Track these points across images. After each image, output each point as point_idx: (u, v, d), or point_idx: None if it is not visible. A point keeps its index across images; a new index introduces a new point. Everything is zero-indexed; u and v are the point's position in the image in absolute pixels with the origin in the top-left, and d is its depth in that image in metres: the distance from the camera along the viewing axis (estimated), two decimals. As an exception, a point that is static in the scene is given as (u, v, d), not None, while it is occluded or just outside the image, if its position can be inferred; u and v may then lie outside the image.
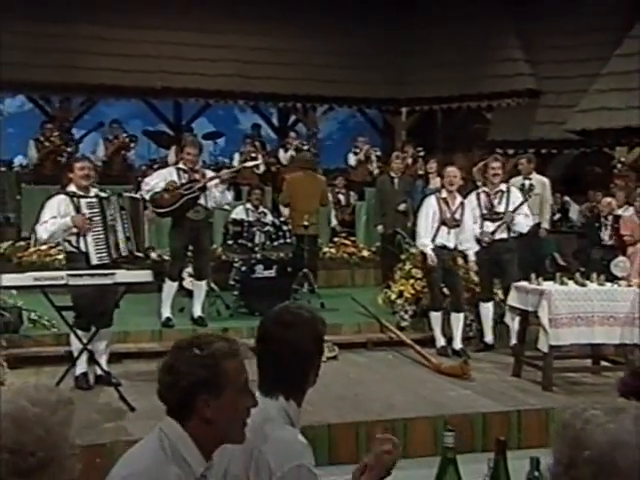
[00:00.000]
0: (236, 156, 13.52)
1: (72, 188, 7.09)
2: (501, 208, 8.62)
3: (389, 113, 15.24)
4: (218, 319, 9.31)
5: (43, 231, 6.98)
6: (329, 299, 10.23)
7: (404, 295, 9.31)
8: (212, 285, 9.76)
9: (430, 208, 8.47)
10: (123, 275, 6.46)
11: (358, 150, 13.94)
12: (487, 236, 8.53)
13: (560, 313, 7.12)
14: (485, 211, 8.60)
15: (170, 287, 8.72)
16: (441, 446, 2.62)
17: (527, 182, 10.81)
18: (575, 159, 14.31)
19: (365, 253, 12.35)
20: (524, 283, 7.63)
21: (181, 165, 8.72)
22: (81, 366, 6.92)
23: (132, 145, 13.73)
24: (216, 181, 8.55)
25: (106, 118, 14.31)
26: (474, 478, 2.66)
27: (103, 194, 7.24)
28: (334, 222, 12.97)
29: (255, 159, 12.81)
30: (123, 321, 8.11)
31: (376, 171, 13.75)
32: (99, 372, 7.05)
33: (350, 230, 12.99)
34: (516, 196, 8.80)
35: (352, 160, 14.01)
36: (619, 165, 12.05)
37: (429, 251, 8.42)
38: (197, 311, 8.86)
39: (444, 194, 8.54)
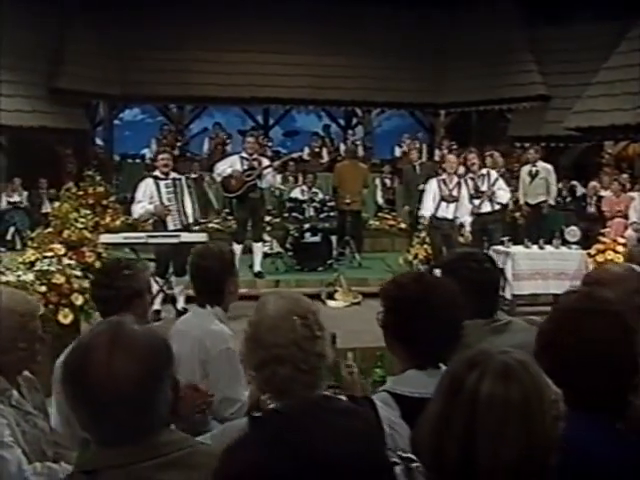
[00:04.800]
0: (306, 149, 14.00)
1: (156, 173, 7.78)
2: (484, 187, 8.80)
3: (431, 115, 15.39)
4: (276, 273, 9.80)
5: (135, 213, 7.72)
6: (366, 261, 10.59)
7: (418, 257, 9.61)
8: (276, 248, 10.31)
9: (431, 188, 8.69)
10: (186, 236, 7.07)
11: (402, 144, 14.23)
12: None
13: (521, 269, 7.37)
14: (472, 191, 8.80)
15: (236, 249, 9.03)
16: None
17: (534, 169, 10.93)
18: (583, 151, 14.16)
19: (403, 225, 12.53)
20: (499, 246, 7.87)
21: (243, 154, 9.13)
22: (156, 305, 7.37)
23: (228, 141, 14.38)
24: (269, 170, 9.03)
25: (211, 121, 15.06)
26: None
27: (177, 176, 7.89)
28: (380, 200, 13.30)
29: (320, 152, 13.34)
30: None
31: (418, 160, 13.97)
32: (179, 308, 7.52)
33: (392, 207, 13.28)
34: (494, 177, 8.95)
35: (397, 152, 14.31)
36: (607, 156, 11.95)
37: (426, 220, 8.75)
38: (256, 266, 9.24)
39: (444, 176, 8.74)
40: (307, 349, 1.84)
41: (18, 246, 11.25)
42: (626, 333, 1.83)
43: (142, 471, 1.33)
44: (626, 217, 10.45)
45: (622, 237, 9.06)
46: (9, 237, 12.06)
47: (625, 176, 11.63)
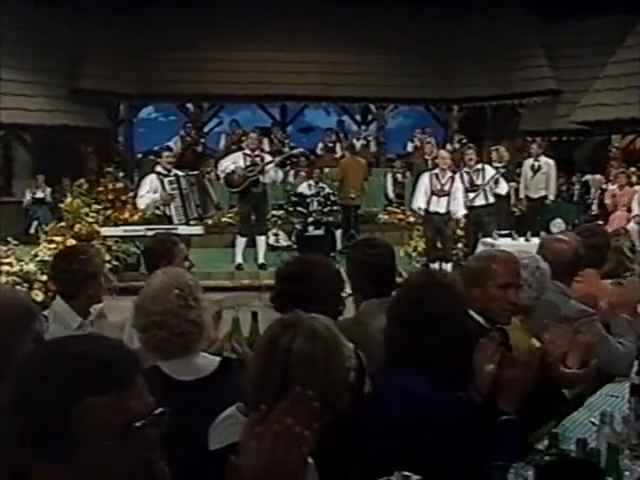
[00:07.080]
0: (319, 145, 14.28)
1: (159, 169, 8.18)
2: (479, 182, 9.00)
3: (444, 110, 15.52)
4: (280, 264, 10.14)
5: (141, 203, 8.11)
6: (372, 253, 10.88)
7: (417, 249, 9.87)
8: (283, 241, 10.63)
9: (422, 182, 8.94)
10: (183, 229, 7.44)
11: (414, 139, 14.43)
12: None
13: (506, 260, 7.53)
14: (468, 185, 9.00)
15: (240, 242, 9.53)
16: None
17: (536, 163, 11.09)
18: (596, 145, 14.17)
19: (411, 219, 12.69)
20: (487, 238, 8.07)
21: (246, 150, 9.51)
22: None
23: (244, 138, 14.68)
24: (271, 165, 9.35)
25: (228, 119, 15.45)
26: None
27: (180, 173, 8.28)
28: (391, 195, 13.50)
29: (333, 148, 13.62)
30: (208, 265, 9.15)
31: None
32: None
33: (402, 201, 13.44)
34: (490, 171, 9.13)
35: (410, 147, 14.50)
36: (614, 149, 12.01)
37: (420, 212, 8.97)
38: (260, 258, 9.59)
39: (436, 171, 8.98)
40: (181, 316, 2.17)
41: (41, 240, 11.79)
42: (456, 300, 2.18)
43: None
44: (629, 210, 10.54)
45: (625, 229, 9.18)
46: (32, 231, 12.63)
47: (633, 169, 11.67)
